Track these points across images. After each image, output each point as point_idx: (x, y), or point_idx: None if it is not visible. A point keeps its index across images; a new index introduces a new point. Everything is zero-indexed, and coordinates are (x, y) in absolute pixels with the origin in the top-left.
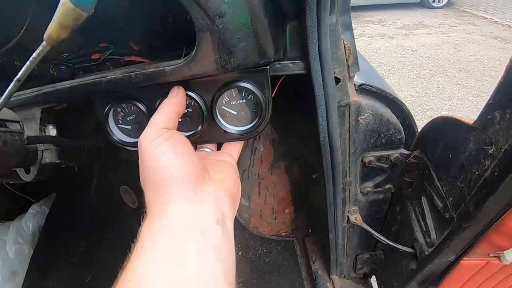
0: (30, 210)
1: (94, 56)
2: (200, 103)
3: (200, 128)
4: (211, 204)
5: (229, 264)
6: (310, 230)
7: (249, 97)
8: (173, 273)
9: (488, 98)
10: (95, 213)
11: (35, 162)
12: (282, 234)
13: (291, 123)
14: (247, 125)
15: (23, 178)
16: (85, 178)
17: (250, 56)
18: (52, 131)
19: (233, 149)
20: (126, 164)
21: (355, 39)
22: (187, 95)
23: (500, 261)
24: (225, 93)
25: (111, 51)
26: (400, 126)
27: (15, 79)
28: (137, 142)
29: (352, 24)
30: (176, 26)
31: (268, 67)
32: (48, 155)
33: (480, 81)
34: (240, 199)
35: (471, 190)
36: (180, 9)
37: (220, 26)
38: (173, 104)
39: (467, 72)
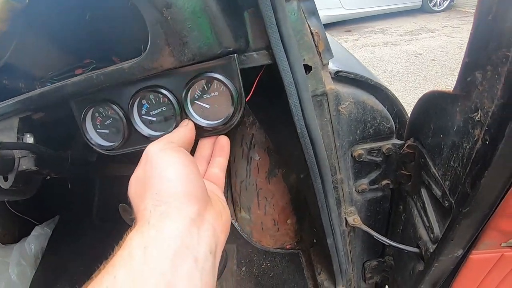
0: (33, 232)
1: (78, 72)
2: (171, 99)
3: (174, 125)
4: (209, 234)
5: None
6: (315, 240)
7: (221, 89)
8: None
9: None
10: (96, 234)
11: (12, 169)
12: (287, 246)
13: (283, 126)
14: (222, 118)
15: (1, 185)
16: (87, 199)
17: (206, 46)
18: (29, 139)
19: (219, 179)
20: (125, 181)
21: (358, 50)
22: (159, 92)
23: None
24: (197, 86)
25: (94, 66)
26: (388, 113)
27: None
28: (114, 145)
29: (355, 35)
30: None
31: (235, 54)
32: (25, 162)
33: None
34: (240, 211)
35: (465, 168)
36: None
37: (169, 17)
38: (187, 130)
39: None
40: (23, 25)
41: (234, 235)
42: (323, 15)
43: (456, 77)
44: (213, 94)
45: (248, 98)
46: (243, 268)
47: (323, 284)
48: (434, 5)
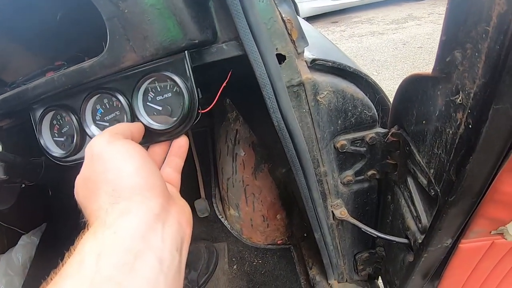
0: (19, 242)
1: (49, 74)
2: (122, 101)
3: None
4: (174, 229)
5: None
6: (305, 235)
7: (174, 90)
8: None
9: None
10: None
11: None
12: (278, 242)
13: (264, 120)
14: (174, 121)
15: None
16: (74, 205)
17: (169, 40)
18: None
19: (173, 179)
20: None
21: (346, 40)
22: (111, 95)
23: (505, 239)
24: (149, 87)
25: (65, 68)
26: (369, 101)
27: None
28: (66, 153)
29: (342, 26)
30: None
31: (185, 51)
32: None
33: None
34: (229, 209)
35: (449, 154)
36: None
37: (126, 10)
38: (133, 124)
39: None
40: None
41: (224, 233)
42: (309, 7)
43: None
44: (165, 95)
45: (211, 106)
46: (235, 266)
47: (315, 279)
48: None
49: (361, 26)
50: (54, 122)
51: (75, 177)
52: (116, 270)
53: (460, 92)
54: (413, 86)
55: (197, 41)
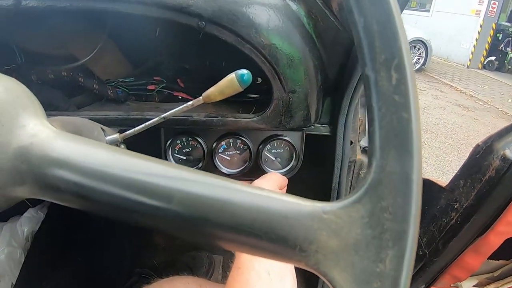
0: (25, 214)
1: (150, 87)
2: (250, 146)
3: (245, 166)
4: None
5: None
6: None
7: (285, 148)
8: None
9: (450, 159)
10: (91, 220)
11: None
12: None
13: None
14: (281, 169)
15: None
16: None
17: (302, 121)
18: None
19: None
20: None
21: None
22: (242, 141)
23: None
24: (270, 142)
25: (164, 85)
26: None
27: (161, 116)
28: None
29: None
30: (214, 69)
31: (305, 129)
32: None
33: (444, 143)
34: None
35: (440, 233)
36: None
37: (291, 99)
38: (283, 178)
39: (433, 134)
40: (106, 32)
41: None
42: None
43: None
44: (279, 150)
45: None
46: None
47: None
48: None
49: None
50: (178, 141)
51: None
52: None
53: (458, 202)
54: (423, 185)
55: (312, 123)
